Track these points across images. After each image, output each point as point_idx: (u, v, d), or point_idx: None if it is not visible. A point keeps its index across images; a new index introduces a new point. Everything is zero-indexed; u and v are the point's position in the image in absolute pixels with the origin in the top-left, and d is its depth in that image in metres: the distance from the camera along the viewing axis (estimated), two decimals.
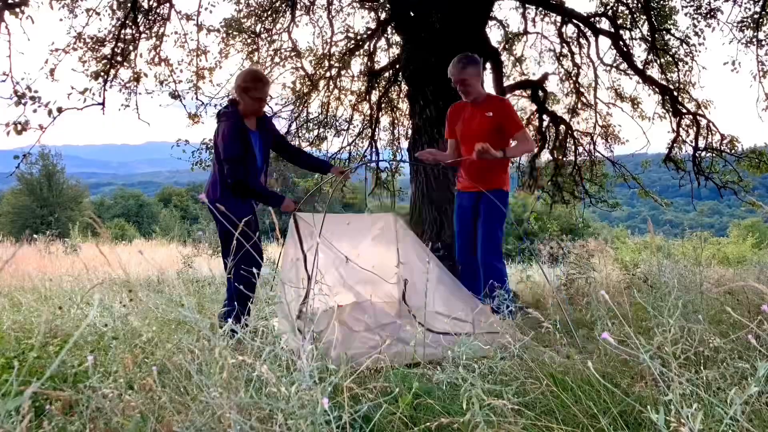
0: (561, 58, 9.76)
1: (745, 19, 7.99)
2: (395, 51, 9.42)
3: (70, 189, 37.75)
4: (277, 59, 9.33)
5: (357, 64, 10.06)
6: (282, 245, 4.02)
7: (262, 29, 9.00)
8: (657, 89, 8.99)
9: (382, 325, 3.86)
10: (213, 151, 4.77)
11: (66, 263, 8.54)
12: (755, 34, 7.92)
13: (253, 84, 3.95)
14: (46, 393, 1.90)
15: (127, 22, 7.30)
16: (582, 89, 9.94)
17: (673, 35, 8.90)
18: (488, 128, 4.24)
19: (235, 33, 8.72)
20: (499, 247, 4.20)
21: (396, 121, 10.22)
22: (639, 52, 9.14)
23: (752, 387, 1.32)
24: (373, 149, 10.18)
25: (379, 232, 4.44)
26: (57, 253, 10.60)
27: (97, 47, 7.41)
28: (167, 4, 7.68)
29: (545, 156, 10.11)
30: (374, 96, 9.74)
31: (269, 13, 8.92)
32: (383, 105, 9.82)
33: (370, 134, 10.05)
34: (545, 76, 9.17)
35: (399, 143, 10.35)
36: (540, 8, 9.19)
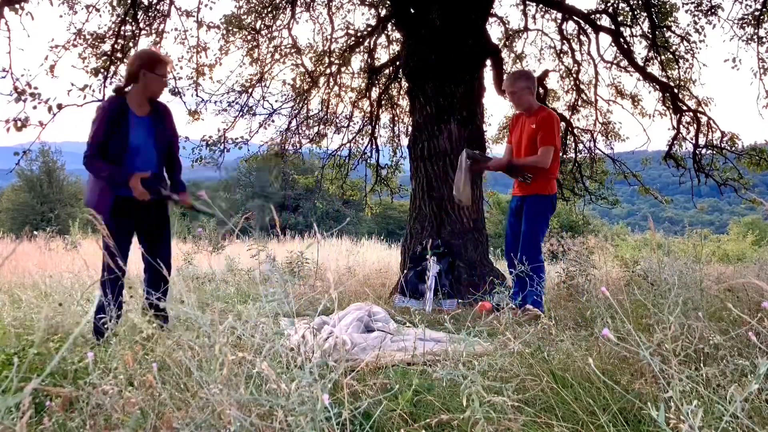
0: (561, 55, 9.75)
1: (745, 16, 7.97)
2: (395, 48, 9.41)
3: (70, 186, 37.63)
4: (277, 56, 9.33)
5: (357, 61, 10.07)
6: (281, 242, 4.02)
7: (262, 26, 8.99)
8: (657, 86, 8.98)
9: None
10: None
11: (66, 260, 8.54)
12: (756, 31, 7.91)
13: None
14: (47, 389, 1.90)
15: (127, 18, 7.29)
16: (582, 86, 9.93)
17: (673, 32, 8.89)
18: (531, 138, 4.65)
19: (235, 30, 8.70)
20: (537, 244, 4.62)
21: (396, 118, 10.22)
22: (639, 49, 9.15)
23: (752, 384, 1.32)
24: (373, 146, 10.19)
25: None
26: (57, 249, 10.61)
27: (97, 44, 7.40)
28: (167, 1, 7.67)
29: None
30: (374, 93, 9.74)
31: (269, 9, 8.90)
32: (383, 102, 9.82)
33: (370, 131, 10.05)
34: (545, 73, 9.16)
35: (399, 140, 10.36)
36: (540, 5, 9.17)
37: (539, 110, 4.75)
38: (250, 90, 9.30)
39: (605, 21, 8.77)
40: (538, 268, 4.40)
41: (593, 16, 8.70)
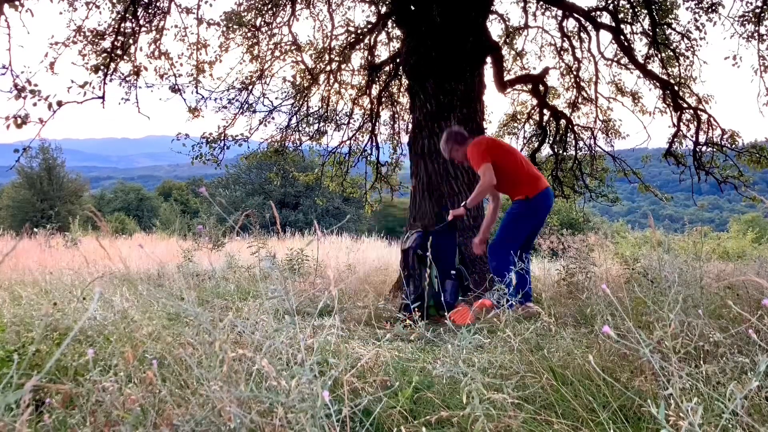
0: (562, 52, 9.73)
1: (746, 14, 7.96)
2: (396, 45, 9.40)
3: (70, 183, 37.69)
4: (277, 53, 9.31)
5: (357, 58, 10.06)
6: (281, 239, 4.02)
7: (263, 23, 8.97)
8: (658, 84, 8.96)
9: None
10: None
11: (66, 257, 8.54)
12: (756, 28, 7.89)
13: None
14: (47, 386, 1.90)
15: (127, 15, 7.27)
16: (583, 84, 9.92)
17: (674, 29, 8.87)
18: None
19: (235, 26, 8.69)
20: (495, 243, 4.92)
21: (396, 116, 10.21)
22: (640, 47, 9.13)
23: (752, 381, 1.32)
24: (374, 144, 10.18)
25: None
26: (57, 246, 10.62)
27: (96, 41, 7.38)
28: None
29: (546, 150, 10.11)
30: (374, 90, 9.72)
31: (269, 6, 8.89)
32: (383, 99, 9.81)
33: (370, 128, 10.05)
34: (546, 71, 9.15)
35: (399, 138, 10.35)
36: (541, 2, 9.16)
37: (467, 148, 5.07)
38: (250, 87, 9.29)
39: (606, 18, 8.76)
40: (496, 263, 4.83)
41: (594, 13, 8.69)
